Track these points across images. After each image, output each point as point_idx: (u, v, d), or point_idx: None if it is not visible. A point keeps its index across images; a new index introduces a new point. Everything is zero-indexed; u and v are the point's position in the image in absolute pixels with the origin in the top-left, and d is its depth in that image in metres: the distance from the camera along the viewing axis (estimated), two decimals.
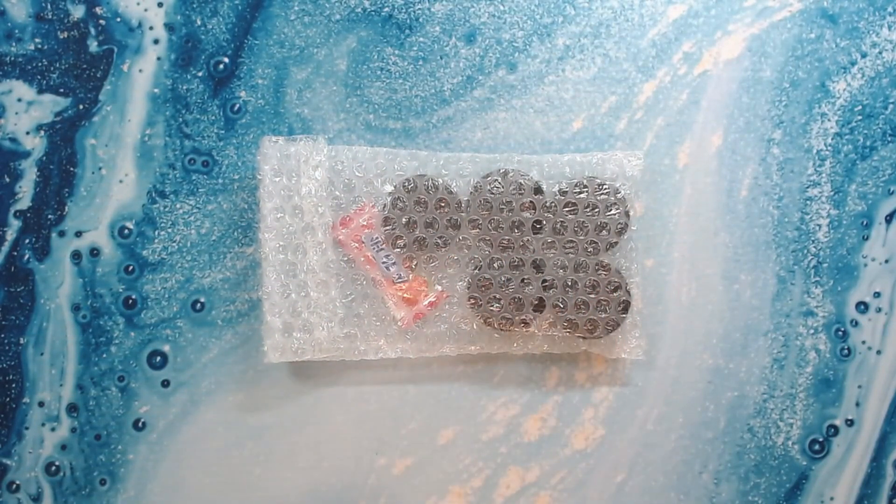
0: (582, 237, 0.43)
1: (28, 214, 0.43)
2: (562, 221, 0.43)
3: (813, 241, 0.46)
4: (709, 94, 0.46)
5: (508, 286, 0.42)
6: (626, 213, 0.43)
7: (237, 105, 0.44)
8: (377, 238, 0.43)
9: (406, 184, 0.43)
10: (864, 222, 0.46)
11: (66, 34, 0.44)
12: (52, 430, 0.43)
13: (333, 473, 0.44)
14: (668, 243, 0.45)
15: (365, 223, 0.43)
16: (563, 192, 0.43)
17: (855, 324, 0.45)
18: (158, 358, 0.43)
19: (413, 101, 0.45)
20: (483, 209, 0.43)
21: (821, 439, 0.45)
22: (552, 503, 0.44)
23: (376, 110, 0.45)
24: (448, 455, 0.44)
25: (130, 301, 0.43)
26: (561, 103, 0.45)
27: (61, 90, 0.44)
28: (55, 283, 0.43)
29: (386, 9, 0.45)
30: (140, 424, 0.43)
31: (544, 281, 0.43)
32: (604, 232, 0.43)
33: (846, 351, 0.45)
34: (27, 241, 0.43)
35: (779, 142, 0.46)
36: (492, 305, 0.42)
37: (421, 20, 0.45)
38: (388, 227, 0.42)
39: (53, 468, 0.43)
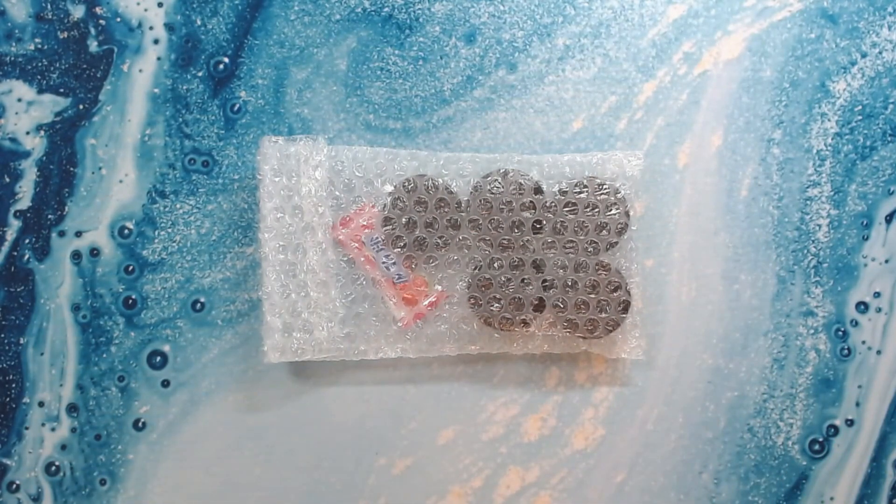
0: (582, 237, 0.43)
1: (28, 214, 0.43)
2: (562, 221, 0.43)
3: (813, 241, 0.46)
4: (709, 94, 0.46)
5: (508, 286, 0.42)
6: (626, 213, 0.43)
7: (237, 105, 0.44)
8: (377, 238, 0.43)
9: (406, 184, 0.43)
10: (864, 222, 0.46)
11: (66, 34, 0.44)
12: (52, 430, 0.43)
13: (333, 473, 0.44)
14: (668, 243, 0.45)
15: (365, 223, 0.43)
16: (563, 192, 0.43)
17: (855, 324, 0.46)
18: (158, 358, 0.43)
19: (413, 101, 0.45)
20: (483, 209, 0.43)
21: (821, 439, 0.45)
22: (552, 503, 0.44)
23: (376, 110, 0.45)
24: (448, 455, 0.44)
25: (130, 301, 0.43)
26: (561, 103, 0.45)
27: (61, 90, 0.44)
28: (55, 283, 0.43)
29: (386, 9, 0.45)
30: (140, 424, 0.43)
31: (544, 281, 0.43)
32: (604, 232, 0.43)
33: (846, 351, 0.45)
34: (27, 241, 0.43)
35: (779, 142, 0.46)
36: (492, 305, 0.42)
37: (421, 20, 0.45)
38: (388, 227, 0.42)
39: (53, 468, 0.43)
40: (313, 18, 0.45)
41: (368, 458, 0.44)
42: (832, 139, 0.46)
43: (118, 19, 0.44)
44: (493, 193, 0.43)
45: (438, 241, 0.43)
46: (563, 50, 0.46)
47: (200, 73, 0.44)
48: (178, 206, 0.44)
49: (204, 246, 0.44)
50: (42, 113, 0.44)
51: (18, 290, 0.43)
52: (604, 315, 0.42)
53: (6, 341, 0.43)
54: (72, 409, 0.43)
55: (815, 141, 0.46)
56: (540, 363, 0.45)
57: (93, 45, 0.44)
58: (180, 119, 0.44)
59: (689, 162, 0.46)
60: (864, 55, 0.46)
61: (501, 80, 0.45)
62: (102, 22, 0.44)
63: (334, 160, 0.43)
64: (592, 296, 0.42)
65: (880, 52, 0.46)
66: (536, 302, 0.43)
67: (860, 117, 0.46)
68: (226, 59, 0.44)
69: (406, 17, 0.45)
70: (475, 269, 0.43)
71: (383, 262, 0.43)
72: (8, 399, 0.43)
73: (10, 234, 0.43)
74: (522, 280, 0.42)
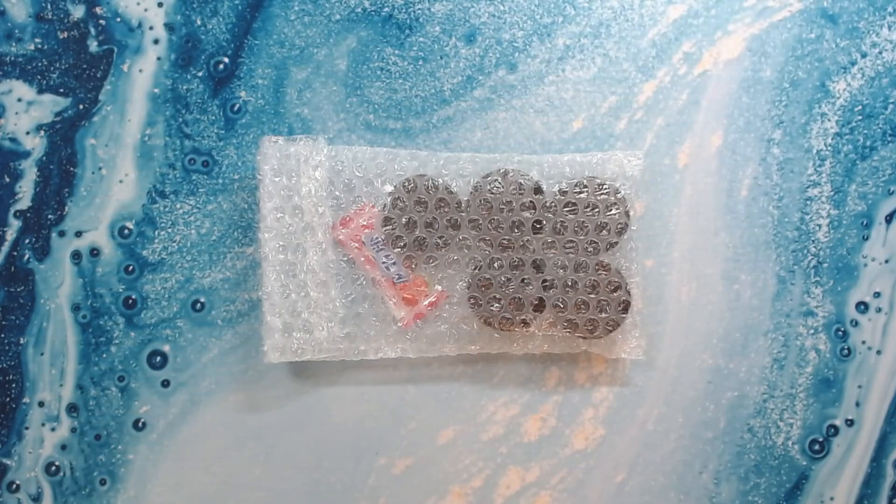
0: (582, 237, 0.43)
1: (28, 214, 0.43)
2: (562, 221, 0.43)
3: (813, 241, 0.46)
4: (709, 94, 0.46)
5: (508, 286, 0.42)
6: (626, 213, 0.43)
7: (237, 105, 0.44)
8: (377, 238, 0.43)
9: (406, 184, 0.43)
10: (864, 222, 0.46)
11: (66, 34, 0.44)
12: (52, 430, 0.43)
13: (333, 473, 0.44)
14: (668, 243, 0.45)
15: (365, 223, 0.43)
16: (563, 192, 0.43)
17: (855, 324, 0.45)
18: (158, 358, 0.43)
19: (413, 101, 0.45)
20: (483, 209, 0.43)
21: (821, 439, 0.45)
22: (552, 503, 0.44)
23: (376, 110, 0.45)
24: (448, 455, 0.44)
25: (130, 301, 0.43)
26: (561, 103, 0.45)
27: (61, 90, 0.44)
28: (55, 283, 0.43)
29: (386, 9, 0.45)
30: (140, 424, 0.43)
31: (544, 281, 0.43)
32: (604, 232, 0.43)
33: (846, 351, 0.45)
34: (27, 241, 0.43)
35: (779, 142, 0.46)
36: (492, 305, 0.42)
37: (421, 20, 0.45)
38: (388, 227, 0.42)
39: (53, 468, 0.43)
40: (313, 18, 0.45)
41: (368, 458, 0.44)
42: (832, 139, 0.46)
43: (118, 19, 0.44)
44: (493, 193, 0.43)
45: (438, 241, 0.43)
46: (563, 50, 0.46)
47: (200, 73, 0.44)
48: (178, 206, 0.44)
49: (204, 246, 0.44)
50: (42, 113, 0.44)
51: (18, 290, 0.43)
52: (604, 315, 0.42)
53: (6, 341, 0.43)
54: (72, 409, 0.43)
55: (815, 141, 0.46)
56: (540, 363, 0.45)
57: (93, 45, 0.44)
58: (180, 119, 0.44)
59: (689, 162, 0.46)
60: (864, 55, 0.46)
61: (501, 80, 0.45)
62: (102, 22, 0.44)
63: (334, 160, 0.43)
64: (592, 296, 0.42)
65: (880, 52, 0.46)
66: (536, 302, 0.43)
67: (860, 117, 0.46)
68: (226, 59, 0.44)
69: (406, 17, 0.45)
70: (475, 269, 0.43)
71: (383, 262, 0.43)
72: (8, 399, 0.43)
73: (10, 234, 0.43)
74: (522, 280, 0.42)
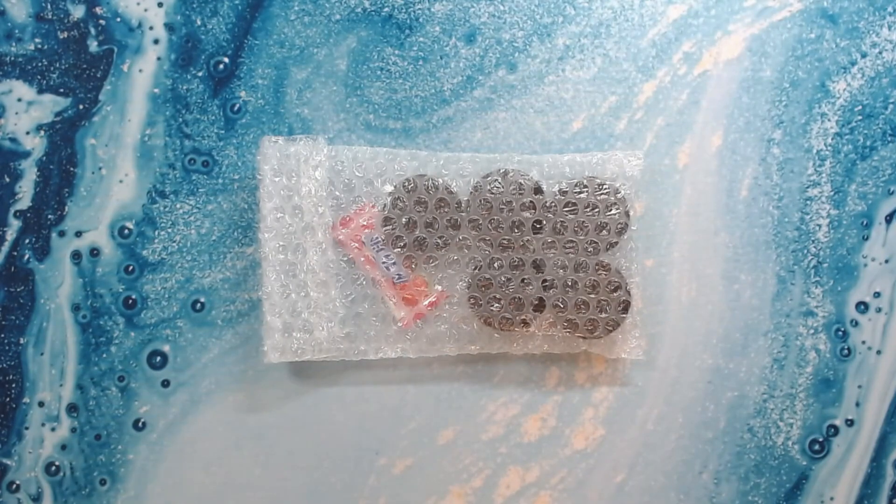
0: (582, 237, 0.43)
1: (28, 214, 0.43)
2: (562, 221, 0.43)
3: (813, 241, 0.46)
4: (709, 94, 0.46)
5: (508, 286, 0.42)
6: (626, 213, 0.43)
7: (237, 105, 0.44)
8: (377, 238, 0.43)
9: (406, 184, 0.43)
10: (864, 222, 0.46)
11: (66, 34, 0.44)
12: (52, 430, 0.43)
13: (333, 473, 0.44)
14: (668, 243, 0.45)
15: (365, 223, 0.43)
16: (563, 192, 0.43)
17: (855, 324, 0.45)
18: (158, 358, 0.43)
19: (413, 101, 0.45)
20: (483, 209, 0.43)
21: (821, 439, 0.45)
22: (552, 503, 0.44)
23: (376, 110, 0.45)
24: (448, 455, 0.44)
25: (130, 301, 0.43)
26: (561, 103, 0.45)
27: (61, 90, 0.44)
28: (55, 283, 0.43)
29: (386, 9, 0.45)
30: (140, 424, 0.43)
31: (544, 281, 0.43)
32: (604, 232, 0.43)
33: (846, 351, 0.45)
34: (27, 241, 0.43)
35: (779, 142, 0.46)
36: (492, 305, 0.42)
37: (421, 20, 0.45)
38: (388, 227, 0.42)
39: (53, 468, 0.43)
40: (313, 18, 0.45)
41: (368, 458, 0.44)
42: (832, 139, 0.46)
43: (118, 19, 0.44)
44: (493, 193, 0.43)
45: (438, 241, 0.43)
46: (563, 50, 0.46)
47: (200, 73, 0.44)
48: (178, 206, 0.44)
49: (204, 246, 0.44)
50: (42, 113, 0.44)
51: (18, 290, 0.43)
52: (604, 315, 0.42)
53: (6, 341, 0.43)
54: (72, 409, 0.43)
55: (815, 141, 0.46)
56: (540, 363, 0.45)
57: (93, 45, 0.44)
58: (180, 119, 0.44)
59: (689, 162, 0.46)
60: (864, 55, 0.46)
61: (501, 80, 0.45)
62: (102, 22, 0.44)
63: (334, 160, 0.43)
64: (592, 296, 0.42)
65: (880, 52, 0.46)
66: (536, 302, 0.43)
67: (860, 117, 0.46)
68: (226, 59, 0.44)
69: (406, 17, 0.45)
70: (475, 269, 0.43)
71: (383, 262, 0.43)
72: (8, 399, 0.43)
73: (10, 234, 0.43)
74: (522, 280, 0.42)
